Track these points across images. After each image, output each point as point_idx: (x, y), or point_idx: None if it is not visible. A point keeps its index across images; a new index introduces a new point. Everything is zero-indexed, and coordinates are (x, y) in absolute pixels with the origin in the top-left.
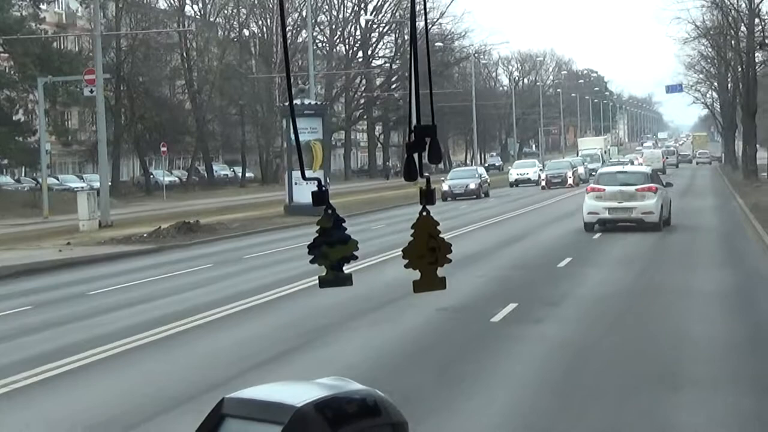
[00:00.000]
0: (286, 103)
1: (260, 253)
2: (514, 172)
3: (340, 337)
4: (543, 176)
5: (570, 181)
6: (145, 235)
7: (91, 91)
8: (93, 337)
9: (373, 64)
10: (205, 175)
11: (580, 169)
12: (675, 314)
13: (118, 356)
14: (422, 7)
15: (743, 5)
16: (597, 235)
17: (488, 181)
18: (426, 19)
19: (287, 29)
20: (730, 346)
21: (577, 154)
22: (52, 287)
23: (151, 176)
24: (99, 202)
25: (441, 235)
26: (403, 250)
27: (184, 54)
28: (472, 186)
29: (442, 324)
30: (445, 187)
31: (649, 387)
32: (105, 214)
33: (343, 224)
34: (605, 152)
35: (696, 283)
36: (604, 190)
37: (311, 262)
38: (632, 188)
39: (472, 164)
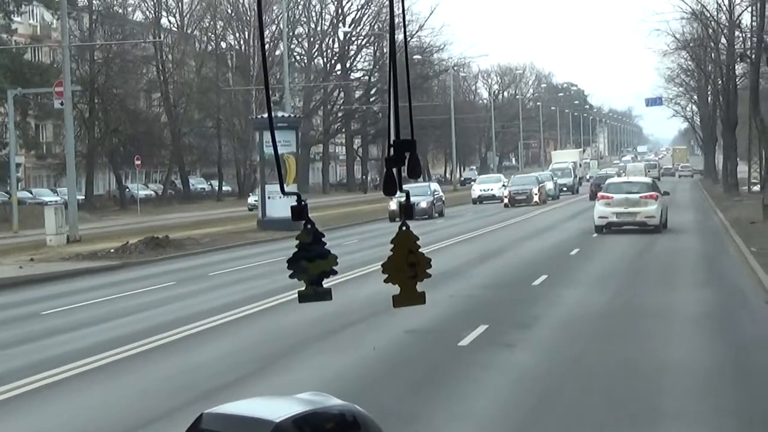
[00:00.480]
0: (260, 116)
1: (227, 270)
2: (478, 188)
3: (299, 361)
4: (506, 192)
5: (536, 198)
6: (112, 250)
7: (62, 104)
8: (38, 361)
9: (351, 77)
10: (181, 188)
11: (549, 185)
12: (654, 339)
13: (62, 382)
14: (401, 20)
15: (723, 17)
16: (575, 251)
17: (443, 198)
18: (405, 32)
19: (265, 41)
20: (713, 374)
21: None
22: (5, 306)
23: (127, 190)
24: (67, 216)
25: (421, 250)
26: (382, 265)
27: (160, 66)
28: (423, 205)
29: (406, 348)
30: (392, 206)
31: (626, 424)
32: (73, 229)
33: (323, 239)
34: (581, 165)
35: (676, 304)
36: (612, 197)
37: (290, 276)
38: (636, 196)
39: (451, 177)
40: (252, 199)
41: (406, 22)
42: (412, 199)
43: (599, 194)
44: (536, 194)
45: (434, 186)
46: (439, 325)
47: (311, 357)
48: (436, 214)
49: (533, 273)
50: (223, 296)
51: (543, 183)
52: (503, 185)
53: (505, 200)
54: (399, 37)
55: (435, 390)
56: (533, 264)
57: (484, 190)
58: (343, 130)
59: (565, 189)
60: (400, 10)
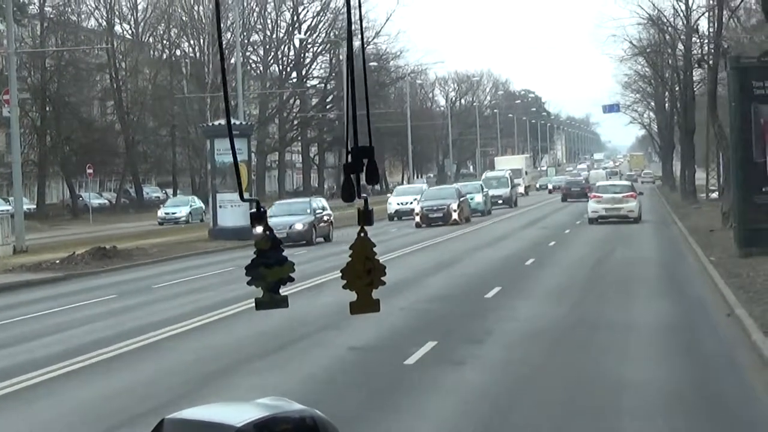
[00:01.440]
0: (210, 124)
1: (172, 282)
2: (394, 201)
3: (237, 382)
4: (417, 209)
5: (455, 215)
6: (57, 261)
7: (10, 111)
8: None
9: (307, 85)
10: (136, 197)
11: (477, 198)
12: (612, 354)
13: None
14: (358, 27)
15: (680, 23)
16: (530, 261)
17: (331, 217)
18: (363, 40)
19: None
20: (673, 392)
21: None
22: None
23: (80, 198)
24: (14, 226)
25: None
26: (341, 271)
27: (114, 74)
28: (298, 227)
29: (349, 367)
30: (258, 229)
31: None
32: (20, 239)
33: (281, 246)
34: (526, 173)
35: (635, 317)
36: (602, 196)
37: (248, 283)
38: (620, 195)
39: (386, 188)
40: (163, 212)
41: (363, 29)
42: (283, 220)
43: (591, 194)
44: (455, 211)
45: (318, 202)
46: (386, 341)
47: (250, 376)
48: (320, 239)
49: (486, 284)
50: (165, 310)
51: (465, 196)
52: (415, 199)
53: (417, 218)
54: (356, 44)
55: (377, 414)
56: (486, 275)
57: (401, 204)
58: (300, 137)
59: (500, 202)
60: (357, 18)
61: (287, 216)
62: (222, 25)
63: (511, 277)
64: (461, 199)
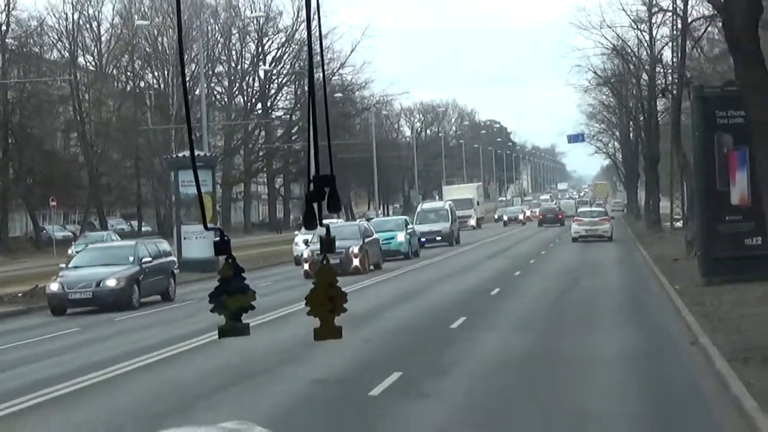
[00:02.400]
0: (174, 156)
1: (135, 315)
2: (301, 240)
3: (194, 417)
4: (306, 254)
5: (356, 262)
6: (20, 294)
7: None
8: None
9: (272, 116)
10: (100, 228)
11: (399, 236)
12: (578, 386)
13: None
14: (320, 58)
15: (644, 53)
16: (495, 291)
17: (173, 266)
18: (324, 71)
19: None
20: (639, 424)
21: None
22: None
23: (44, 231)
24: None
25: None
26: (305, 298)
27: (77, 106)
28: (111, 283)
29: (313, 400)
30: (54, 286)
31: None
32: None
33: (243, 274)
34: (478, 203)
35: (601, 347)
36: (582, 220)
37: (211, 311)
38: (597, 219)
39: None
40: (73, 251)
41: (327, 60)
42: (94, 271)
43: (575, 217)
44: (356, 256)
45: (152, 247)
46: (350, 373)
47: (207, 412)
48: (157, 296)
49: (451, 315)
50: (126, 343)
51: (374, 236)
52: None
53: (305, 266)
54: (319, 75)
55: None
56: (451, 305)
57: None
58: (265, 169)
59: (437, 239)
60: (320, 49)
61: (98, 267)
62: (186, 57)
63: (476, 307)
64: (368, 239)
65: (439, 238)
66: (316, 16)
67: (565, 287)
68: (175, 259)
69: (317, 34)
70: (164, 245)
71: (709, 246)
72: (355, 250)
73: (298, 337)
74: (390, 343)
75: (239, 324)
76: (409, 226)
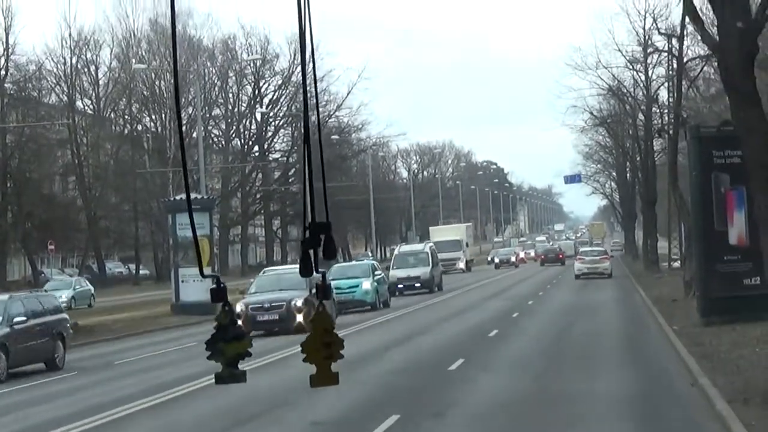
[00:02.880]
0: (172, 198)
1: (134, 358)
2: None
3: None
4: (239, 308)
5: (299, 318)
6: None
7: None
8: None
9: (269, 158)
10: (98, 272)
11: (365, 284)
12: (577, 428)
13: None
14: (315, 101)
15: (641, 93)
16: (493, 333)
17: (59, 326)
18: (318, 115)
19: (182, 123)
20: None
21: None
22: None
23: (42, 275)
24: None
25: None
26: (301, 344)
27: (75, 149)
28: None
29: None
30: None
31: None
32: None
33: (239, 322)
34: (467, 245)
35: (599, 389)
36: (585, 258)
37: (208, 358)
38: (598, 257)
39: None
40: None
41: (324, 103)
42: None
43: (577, 256)
44: (300, 311)
45: (21, 304)
46: (348, 416)
47: None
48: (41, 364)
49: (449, 357)
50: (125, 387)
51: (327, 285)
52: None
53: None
54: (313, 118)
55: None
56: (450, 347)
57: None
58: (262, 211)
59: (416, 285)
60: (314, 92)
61: None
62: (183, 100)
63: (474, 349)
64: (309, 295)
65: (418, 285)
66: (311, 60)
67: (562, 328)
68: (66, 317)
69: (313, 77)
70: (51, 299)
71: (708, 286)
72: (298, 302)
73: (297, 380)
74: (388, 384)
75: (236, 370)
76: (377, 272)
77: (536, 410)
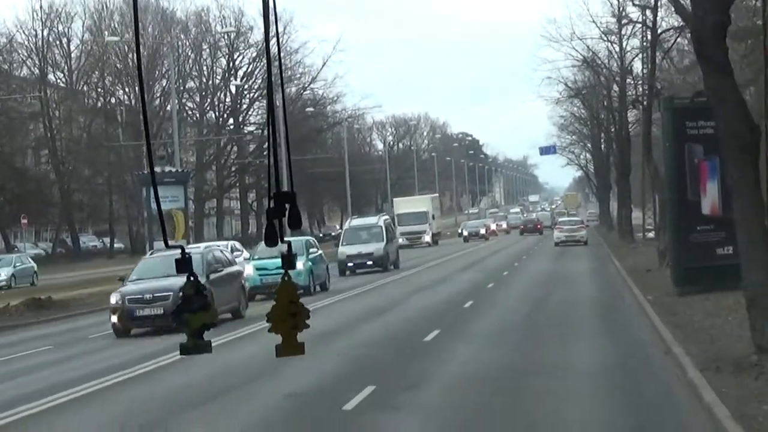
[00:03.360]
0: (145, 171)
1: (108, 332)
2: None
3: None
4: (115, 300)
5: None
6: None
7: None
8: None
9: (244, 131)
10: (72, 246)
11: (298, 266)
12: (552, 397)
13: None
14: (286, 74)
15: (615, 65)
16: (468, 304)
17: None
18: (283, 87)
19: (155, 96)
20: None
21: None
22: None
23: (15, 249)
24: None
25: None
26: (267, 315)
27: (47, 123)
28: None
29: (287, 415)
30: None
31: None
32: None
33: (205, 292)
34: (434, 218)
35: (575, 359)
36: (563, 227)
37: (174, 329)
38: (575, 227)
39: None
40: None
41: (298, 75)
42: None
43: (556, 226)
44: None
45: None
46: (324, 387)
47: (181, 429)
48: None
49: (425, 328)
50: (100, 360)
51: (235, 269)
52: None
53: (113, 318)
54: (288, 91)
55: None
56: (425, 318)
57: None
58: (237, 184)
59: (368, 263)
60: (289, 64)
61: None
62: (156, 73)
63: (450, 320)
64: (216, 274)
65: (370, 263)
66: (279, 32)
67: (538, 298)
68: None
69: (285, 50)
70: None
71: (681, 256)
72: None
73: (270, 353)
74: (363, 356)
75: (201, 341)
76: (312, 250)
77: (513, 381)
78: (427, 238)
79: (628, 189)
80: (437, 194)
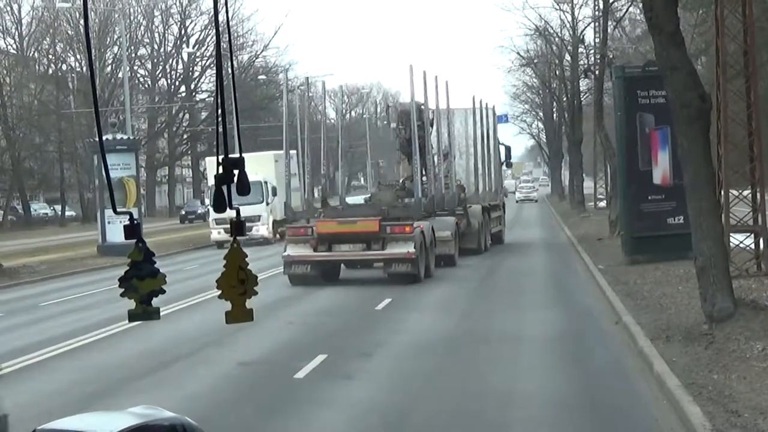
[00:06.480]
0: (95, 139)
1: (59, 300)
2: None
3: (119, 402)
4: None
5: None
6: None
7: None
8: None
9: (196, 98)
10: (23, 214)
11: None
12: (502, 366)
13: None
14: (238, 42)
15: (567, 34)
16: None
17: None
18: (231, 55)
19: (107, 63)
20: (563, 402)
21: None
22: None
23: None
24: None
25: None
26: (216, 281)
27: None
28: None
29: (237, 383)
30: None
31: None
32: None
33: (153, 258)
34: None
35: (525, 327)
36: (522, 190)
37: (121, 295)
38: (531, 191)
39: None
40: None
41: (251, 42)
42: None
43: (517, 189)
44: None
45: None
46: (275, 356)
47: (132, 397)
48: None
49: (376, 296)
50: (51, 328)
51: None
52: None
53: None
54: (242, 58)
55: (265, 429)
56: (376, 287)
57: None
58: (190, 152)
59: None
60: (240, 32)
61: None
62: (108, 39)
63: (401, 288)
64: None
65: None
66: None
67: (489, 266)
68: None
69: (236, 17)
70: None
71: (632, 225)
72: None
73: (221, 322)
74: (314, 324)
75: (150, 308)
76: None
77: (463, 349)
78: (263, 230)
79: (580, 158)
80: (293, 151)
